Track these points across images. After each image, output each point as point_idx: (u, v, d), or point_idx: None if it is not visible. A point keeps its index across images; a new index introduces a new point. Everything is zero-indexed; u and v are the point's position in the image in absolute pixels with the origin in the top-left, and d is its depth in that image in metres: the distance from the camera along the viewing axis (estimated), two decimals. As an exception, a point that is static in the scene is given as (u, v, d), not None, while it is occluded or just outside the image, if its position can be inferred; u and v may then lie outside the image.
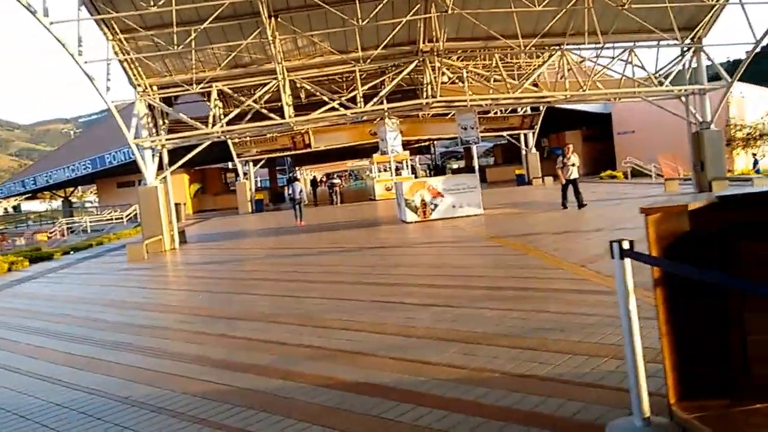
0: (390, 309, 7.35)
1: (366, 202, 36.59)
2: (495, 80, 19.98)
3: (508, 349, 5.22)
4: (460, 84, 20.07)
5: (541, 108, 35.74)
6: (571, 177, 17.72)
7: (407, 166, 41.03)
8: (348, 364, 5.29)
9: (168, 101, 21.38)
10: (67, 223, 42.15)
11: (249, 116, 19.80)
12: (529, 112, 36.93)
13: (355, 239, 16.41)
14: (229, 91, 19.33)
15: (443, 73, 18.99)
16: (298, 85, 22.46)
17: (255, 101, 19.64)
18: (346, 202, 38.60)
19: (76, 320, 8.80)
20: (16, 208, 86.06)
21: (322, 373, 5.12)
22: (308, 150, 36.06)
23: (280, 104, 19.17)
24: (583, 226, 14.26)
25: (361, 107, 19.03)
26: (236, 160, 36.09)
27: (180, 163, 20.04)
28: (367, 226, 20.16)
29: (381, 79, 20.32)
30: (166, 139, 19.87)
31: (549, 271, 8.74)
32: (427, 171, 66.44)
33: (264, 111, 19.66)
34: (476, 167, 20.20)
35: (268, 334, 6.81)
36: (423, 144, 58.86)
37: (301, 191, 25.46)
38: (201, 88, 18.96)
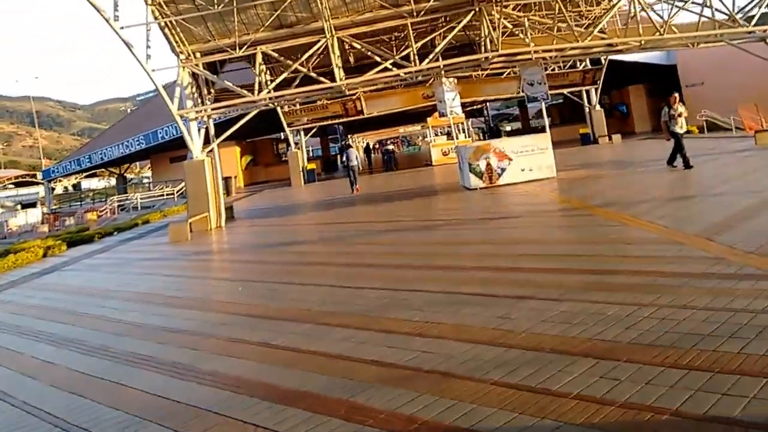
0: (472, 304, 5.85)
1: (422, 168, 34.98)
2: (558, 29, 17.99)
3: (663, 369, 3.70)
4: (521, 35, 18.16)
5: (603, 61, 33.32)
6: (682, 130, 14.92)
7: (463, 129, 39.13)
8: (434, 393, 3.88)
9: (213, 69, 20.17)
10: (119, 201, 41.87)
11: (297, 81, 18.42)
12: (589, 66, 34.49)
13: (415, 210, 14.97)
14: (275, 55, 17.90)
15: (502, 25, 17.08)
16: (347, 46, 20.97)
17: (302, 64, 18.22)
18: (401, 168, 37.10)
19: (97, 322, 7.59)
20: (76, 186, 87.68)
21: (399, 408, 3.72)
22: (360, 117, 34.50)
23: (329, 68, 17.69)
24: (689, 188, 12.21)
25: (415, 65, 17.37)
26: (287, 129, 34.83)
27: (227, 134, 18.82)
28: (427, 195, 18.66)
29: (433, 35, 18.54)
30: (212, 109, 18.67)
31: (665, 248, 7.04)
32: (481, 134, 64.21)
33: (313, 75, 18.24)
34: (547, 126, 18.30)
35: (321, 342, 5.42)
36: (476, 107, 56.67)
37: (356, 158, 24.46)
38: (244, 52, 17.58)
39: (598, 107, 35.23)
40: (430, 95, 32.90)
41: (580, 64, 34.36)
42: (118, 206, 41.53)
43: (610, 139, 33.94)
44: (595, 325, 4.69)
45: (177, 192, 41.14)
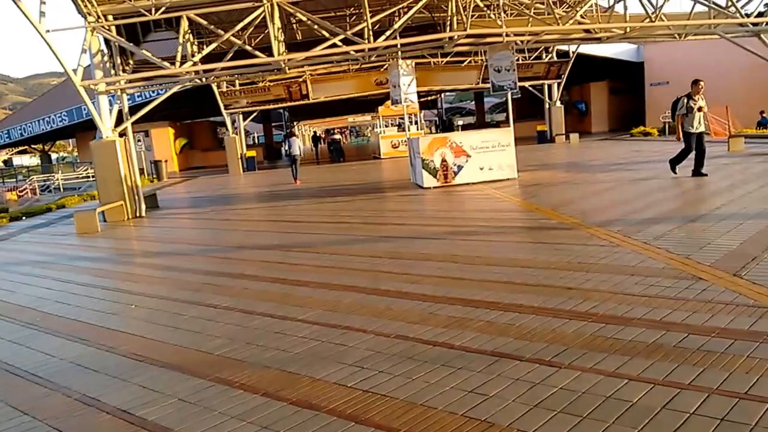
0: (433, 363, 3.99)
1: (370, 161, 32.74)
2: (536, 11, 16.03)
3: None
4: (492, 16, 16.14)
5: (571, 54, 31.73)
6: (698, 129, 12.19)
7: (416, 121, 37.01)
8: None
9: (134, 39, 17.46)
10: (40, 181, 38.30)
11: (230, 55, 15.92)
12: (555, 59, 32.88)
13: (362, 211, 12.74)
14: (204, 22, 15.33)
15: (473, 3, 14.95)
16: (293, 20, 18.56)
17: (237, 36, 15.75)
18: (348, 160, 34.80)
19: None
20: (6, 162, 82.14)
21: None
22: (305, 102, 31.94)
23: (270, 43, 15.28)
24: (679, 200, 10.23)
25: (369, 43, 15.11)
26: (224, 112, 31.96)
27: (143, 111, 16.11)
28: (375, 192, 16.42)
29: (393, 9, 16.29)
30: (127, 81, 16.00)
31: (681, 285, 5.13)
32: (433, 128, 62.35)
33: (248, 48, 15.76)
34: (511, 120, 16.29)
35: (204, 419, 3.48)
36: (430, 98, 54.73)
37: (299, 147, 22.47)
38: (163, 15, 14.96)
39: (558, 104, 33.70)
40: (384, 82, 30.67)
41: (546, 56, 32.69)
42: (40, 187, 38.06)
43: (568, 138, 32.48)
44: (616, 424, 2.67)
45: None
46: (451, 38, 15.50)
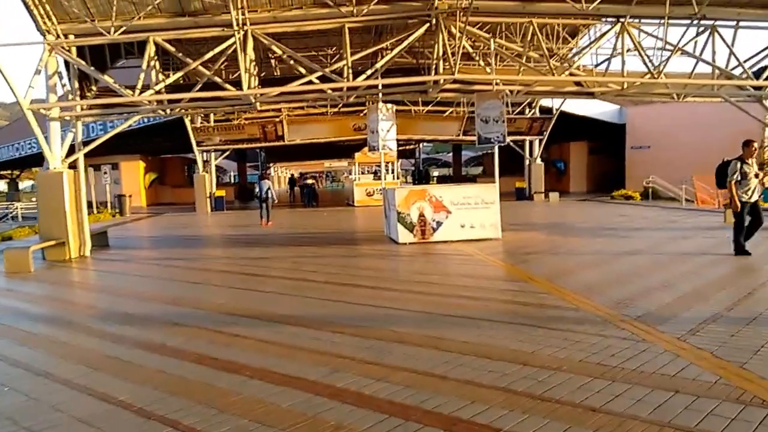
0: None
1: (343, 207, 31.37)
2: (528, 60, 15.01)
3: None
4: (481, 62, 15.09)
5: (554, 110, 31.12)
6: (752, 199, 10.50)
7: (392, 170, 35.89)
8: None
9: (102, 65, 16.08)
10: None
11: (198, 86, 14.59)
12: (537, 114, 32.21)
13: (328, 266, 11.30)
14: (171, 49, 14.02)
15: (462, 47, 13.84)
16: (271, 55, 17.39)
17: (206, 67, 14.46)
18: (321, 205, 33.42)
19: None
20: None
21: None
22: (280, 143, 30.64)
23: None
24: (726, 283, 8.32)
25: (348, 81, 13.90)
26: (195, 148, 30.48)
27: (95, 144, 14.66)
28: (346, 243, 15.00)
29: (377, 47, 15.14)
30: (84, 108, 14.55)
31: (760, 415, 3.77)
32: (409, 178, 61.38)
33: (217, 80, 14.48)
34: (497, 176, 15.05)
35: None
36: (409, 147, 53.91)
37: (268, 189, 21.76)
38: (125, 37, 13.64)
39: (539, 161, 32.88)
40: (362, 127, 29.64)
41: (529, 111, 32.00)
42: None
43: (547, 196, 31.58)
44: None
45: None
46: (436, 82, 14.37)
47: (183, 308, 8.10)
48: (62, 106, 14.33)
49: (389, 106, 16.11)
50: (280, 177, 78.52)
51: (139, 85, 13.78)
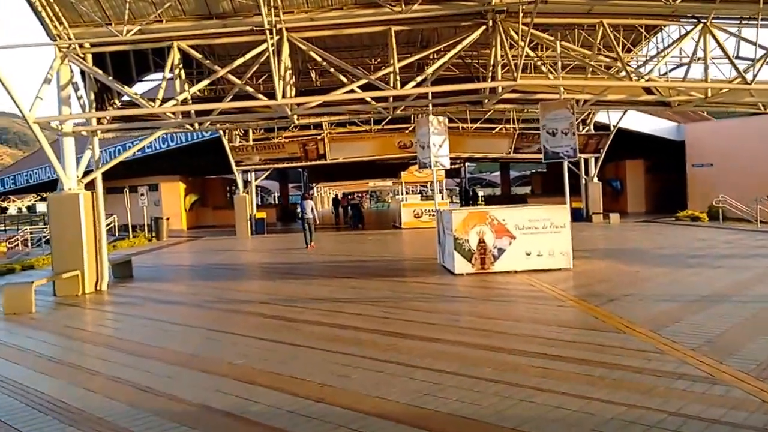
0: None
1: (389, 230, 29.56)
2: (598, 62, 13.07)
3: None
4: (544, 69, 13.19)
5: (611, 126, 28.93)
6: None
7: (441, 189, 34.01)
8: None
9: (127, 75, 14.75)
10: (33, 232, 35.50)
11: (229, 97, 13.06)
12: (593, 131, 30.04)
13: (373, 306, 9.49)
14: (198, 56, 12.54)
15: (524, 49, 11.95)
16: (310, 66, 15.85)
17: (237, 75, 12.95)
18: (366, 228, 31.68)
19: None
20: (30, 208, 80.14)
21: None
22: (322, 162, 29.14)
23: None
24: None
25: (396, 90, 12.16)
26: (234, 169, 29.17)
27: (116, 161, 13.28)
28: (394, 275, 13.16)
29: (426, 52, 13.34)
30: (100, 121, 13.17)
31: None
32: (455, 197, 59.31)
33: (249, 89, 12.92)
34: (567, 195, 13.10)
35: None
36: (455, 166, 51.94)
37: (312, 210, 20.77)
38: (147, 40, 12.19)
39: (596, 180, 30.64)
40: (408, 144, 27.90)
41: (583, 128, 29.81)
42: (35, 239, 35.24)
43: (607, 217, 29.25)
44: None
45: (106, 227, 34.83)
46: (493, 90, 12.51)
47: (192, 371, 6.38)
48: (73, 118, 12.95)
49: (441, 118, 14.35)
50: (323, 197, 77.33)
51: (160, 95, 12.30)
